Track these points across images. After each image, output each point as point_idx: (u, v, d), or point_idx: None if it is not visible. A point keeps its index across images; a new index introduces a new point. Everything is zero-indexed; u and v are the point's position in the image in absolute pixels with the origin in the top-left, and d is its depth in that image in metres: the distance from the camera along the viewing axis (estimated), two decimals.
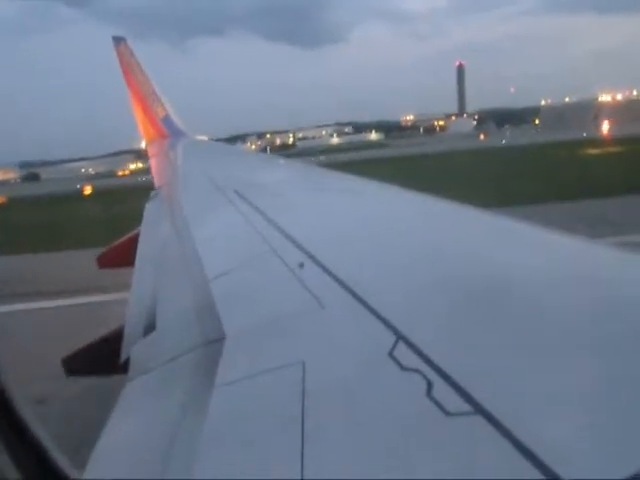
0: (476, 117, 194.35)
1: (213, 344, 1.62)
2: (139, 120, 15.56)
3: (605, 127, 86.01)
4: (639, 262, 1.60)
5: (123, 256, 4.83)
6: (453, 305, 1.37)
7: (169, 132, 14.94)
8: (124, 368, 1.94)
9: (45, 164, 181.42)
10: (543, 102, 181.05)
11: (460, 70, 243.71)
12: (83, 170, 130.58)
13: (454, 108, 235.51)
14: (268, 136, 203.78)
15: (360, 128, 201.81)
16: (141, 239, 4.28)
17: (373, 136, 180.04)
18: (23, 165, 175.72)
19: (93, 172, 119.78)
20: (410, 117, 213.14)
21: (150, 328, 2.14)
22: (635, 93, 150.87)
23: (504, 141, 67.83)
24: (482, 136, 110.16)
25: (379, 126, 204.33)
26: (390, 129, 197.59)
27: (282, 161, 8.77)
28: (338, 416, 0.99)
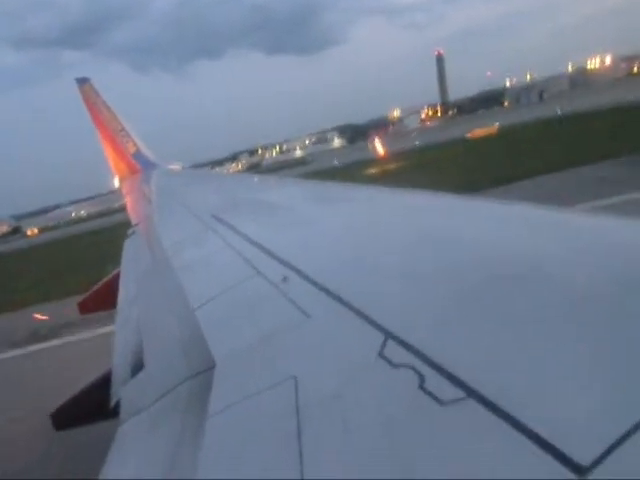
0: (421, 110, 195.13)
1: (204, 374, 1.60)
2: (110, 158, 15.37)
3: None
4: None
5: (105, 299, 4.84)
6: (439, 297, 1.35)
7: (141, 167, 14.73)
8: (114, 412, 1.91)
9: (36, 213, 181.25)
10: (508, 83, 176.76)
11: (439, 60, 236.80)
12: (74, 214, 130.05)
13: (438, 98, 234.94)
14: (259, 152, 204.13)
15: (345, 130, 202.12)
16: (121, 278, 4.18)
17: (336, 143, 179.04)
18: (19, 217, 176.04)
19: (85, 214, 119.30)
20: (397, 113, 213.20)
21: (138, 367, 2.11)
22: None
23: (336, 162, 60.77)
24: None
25: (368, 126, 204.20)
26: (369, 131, 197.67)
27: (255, 178, 8.39)
28: (334, 425, 0.99)
